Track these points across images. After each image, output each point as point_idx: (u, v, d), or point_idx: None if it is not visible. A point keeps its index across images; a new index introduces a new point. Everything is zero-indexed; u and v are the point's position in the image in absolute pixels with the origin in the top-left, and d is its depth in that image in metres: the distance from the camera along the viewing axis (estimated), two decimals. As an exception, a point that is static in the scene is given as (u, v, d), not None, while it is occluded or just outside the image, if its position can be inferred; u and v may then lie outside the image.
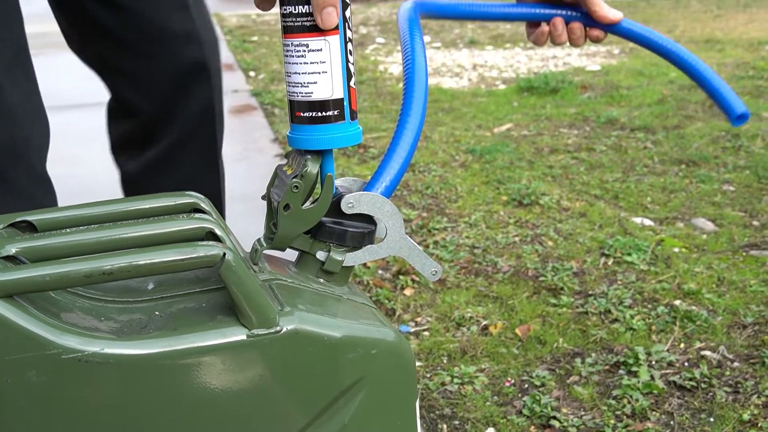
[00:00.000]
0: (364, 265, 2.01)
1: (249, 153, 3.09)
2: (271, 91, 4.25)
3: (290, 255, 0.72)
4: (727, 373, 1.53)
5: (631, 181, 2.65)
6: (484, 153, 2.99)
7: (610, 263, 2.01)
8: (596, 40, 0.97)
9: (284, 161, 0.74)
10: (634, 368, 1.53)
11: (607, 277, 1.94)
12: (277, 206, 0.69)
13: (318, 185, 0.70)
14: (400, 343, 0.66)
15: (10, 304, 0.54)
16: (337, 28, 0.66)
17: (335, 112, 0.68)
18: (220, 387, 0.59)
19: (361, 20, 7.66)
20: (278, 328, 0.60)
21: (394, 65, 5.05)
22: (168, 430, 0.59)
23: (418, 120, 0.74)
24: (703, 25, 6.22)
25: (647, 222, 2.29)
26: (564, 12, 0.96)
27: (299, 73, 0.67)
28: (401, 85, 0.78)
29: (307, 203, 0.69)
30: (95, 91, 1.34)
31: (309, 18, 0.65)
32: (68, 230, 0.63)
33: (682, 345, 1.63)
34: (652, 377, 1.50)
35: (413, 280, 1.93)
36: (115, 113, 1.34)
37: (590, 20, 0.95)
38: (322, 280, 0.71)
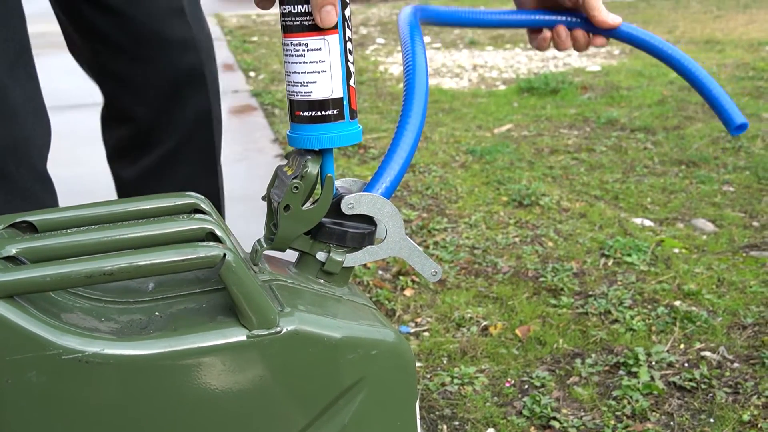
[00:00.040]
0: (364, 265, 2.01)
1: (249, 153, 3.09)
2: (271, 91, 4.25)
3: (290, 256, 0.72)
4: (727, 373, 1.53)
5: (631, 182, 2.65)
6: (484, 153, 2.99)
7: (610, 264, 2.01)
8: (597, 45, 0.97)
9: (284, 162, 0.74)
10: (634, 369, 1.53)
11: (607, 277, 1.94)
12: (277, 207, 0.69)
13: (318, 186, 0.70)
14: (400, 343, 0.66)
15: (11, 304, 0.54)
16: (336, 27, 0.66)
17: (335, 112, 0.68)
18: (220, 387, 0.59)
19: (362, 21, 7.66)
20: (278, 329, 0.60)
21: (394, 66, 5.05)
22: (168, 431, 0.59)
23: (419, 121, 0.75)
24: (703, 25, 6.22)
25: (647, 223, 2.29)
26: (563, 18, 0.96)
27: (299, 73, 0.67)
28: (401, 85, 0.78)
29: (308, 204, 0.69)
30: (95, 91, 1.34)
31: (308, 17, 0.65)
32: (69, 231, 0.63)
33: (682, 346, 1.63)
34: (652, 378, 1.50)
35: (413, 281, 1.93)
36: (111, 120, 1.34)
37: (589, 25, 0.95)
38: (322, 281, 0.71)
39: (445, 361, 1.60)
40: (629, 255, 2.03)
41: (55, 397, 0.56)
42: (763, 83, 3.99)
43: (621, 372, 1.53)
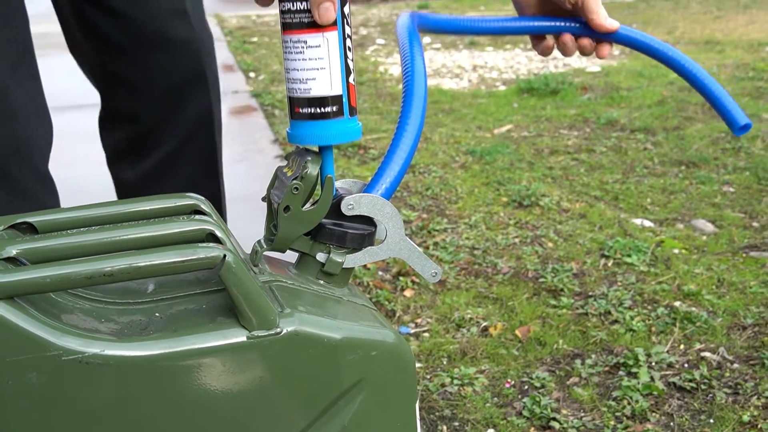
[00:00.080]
0: (364, 266, 2.01)
1: (249, 154, 3.09)
2: (271, 92, 4.25)
3: (290, 256, 0.72)
4: (727, 374, 1.53)
5: (631, 183, 2.65)
6: (484, 154, 2.99)
7: (610, 264, 2.01)
8: (601, 56, 0.98)
9: (284, 163, 0.74)
10: (634, 369, 1.53)
11: (607, 278, 1.94)
12: (277, 208, 0.69)
13: (318, 187, 0.70)
14: (399, 344, 0.66)
15: (11, 305, 0.54)
16: (335, 24, 0.66)
17: (334, 109, 0.68)
18: (220, 388, 0.59)
19: (361, 21, 7.66)
20: (278, 330, 0.60)
21: (394, 66, 5.06)
22: (168, 432, 0.60)
23: (418, 122, 0.75)
24: (702, 26, 6.22)
25: (647, 223, 2.29)
26: (563, 24, 0.96)
27: (298, 70, 0.67)
28: (401, 86, 0.78)
29: (308, 205, 0.69)
30: (91, 92, 1.34)
31: (307, 14, 0.65)
32: (69, 232, 0.63)
33: (681, 346, 1.63)
34: (652, 378, 1.50)
35: (413, 282, 1.93)
36: (111, 122, 1.34)
37: (589, 30, 0.95)
38: (322, 282, 0.71)
39: (445, 362, 1.60)
40: (629, 255, 2.04)
41: (55, 398, 0.56)
42: (763, 84, 3.99)
43: (621, 372, 1.53)
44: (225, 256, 0.57)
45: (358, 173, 2.81)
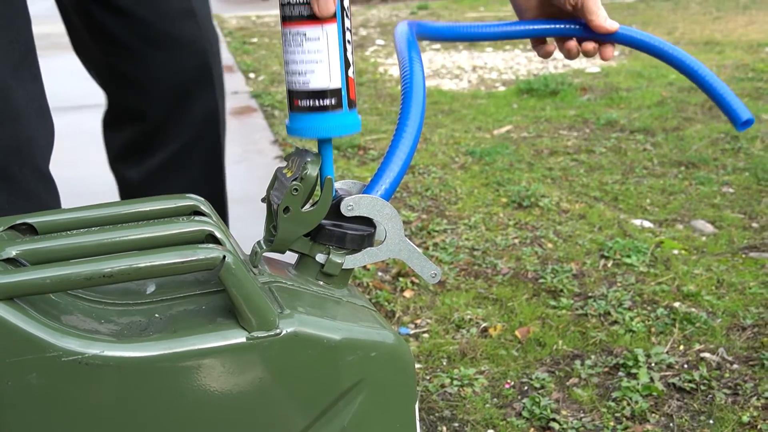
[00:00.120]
0: (364, 267, 2.01)
1: (249, 155, 3.09)
2: (271, 92, 4.25)
3: (290, 257, 0.72)
4: (727, 375, 1.53)
5: (631, 183, 2.65)
6: (483, 155, 2.99)
7: (609, 265, 2.01)
8: (605, 58, 0.98)
9: (284, 163, 0.74)
10: (634, 370, 1.53)
11: (607, 279, 1.94)
12: (276, 209, 0.69)
13: (318, 188, 0.70)
14: (399, 345, 0.66)
15: (11, 306, 0.54)
16: (334, 16, 0.66)
17: (333, 101, 0.68)
18: (220, 389, 0.60)
19: (361, 22, 7.67)
20: (278, 331, 0.60)
21: (393, 67, 5.06)
22: (168, 433, 0.60)
23: (418, 122, 0.75)
24: (702, 27, 6.22)
25: (647, 224, 2.30)
26: (563, 26, 0.96)
27: (297, 62, 0.67)
28: (400, 87, 0.79)
29: (307, 206, 0.69)
30: (96, 92, 1.34)
31: (307, 6, 0.65)
32: (69, 233, 0.63)
33: (681, 347, 1.63)
34: (652, 379, 1.50)
35: (413, 282, 1.93)
36: (116, 122, 1.33)
37: (589, 32, 0.95)
38: (321, 283, 0.71)
39: (444, 363, 1.60)
40: (629, 256, 2.04)
41: (55, 398, 0.56)
42: (762, 84, 3.99)
43: (620, 373, 1.54)
44: (224, 257, 0.57)
45: (358, 174, 2.81)
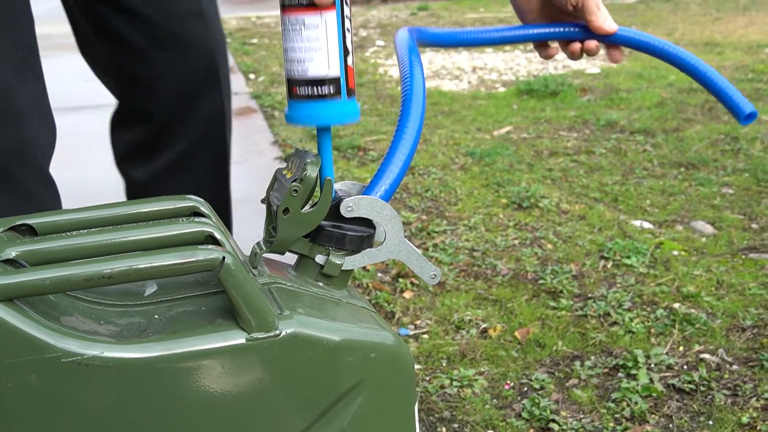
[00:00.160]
0: (364, 267, 2.01)
1: (248, 156, 3.09)
2: (271, 93, 4.25)
3: (289, 258, 0.72)
4: (726, 376, 1.53)
5: (631, 184, 2.65)
6: (483, 156, 2.99)
7: (609, 266, 2.01)
8: (614, 61, 0.98)
9: (283, 164, 0.74)
10: (633, 371, 1.53)
11: (607, 280, 1.94)
12: (276, 210, 0.69)
13: (317, 189, 0.70)
14: (398, 346, 0.66)
15: (10, 307, 0.54)
16: (333, 4, 0.66)
17: (332, 89, 0.68)
18: (219, 390, 0.60)
19: (361, 23, 7.67)
20: (277, 332, 0.60)
21: (393, 68, 5.06)
22: (167, 434, 0.60)
23: (417, 124, 0.75)
24: (702, 28, 6.22)
25: (646, 225, 2.30)
26: (563, 30, 0.96)
27: (296, 50, 0.67)
28: (400, 88, 0.79)
29: (307, 207, 0.69)
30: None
31: None
32: (68, 234, 0.63)
33: (681, 348, 1.63)
34: (651, 380, 1.50)
35: (412, 283, 1.93)
36: (124, 121, 1.33)
37: (589, 34, 0.95)
38: (321, 284, 0.71)
39: (444, 364, 1.60)
40: (628, 257, 2.04)
41: (54, 399, 0.56)
42: (762, 85, 4.00)
43: (620, 374, 1.54)
44: (224, 258, 0.57)
45: (358, 175, 2.81)
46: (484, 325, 1.74)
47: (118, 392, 0.57)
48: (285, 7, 0.67)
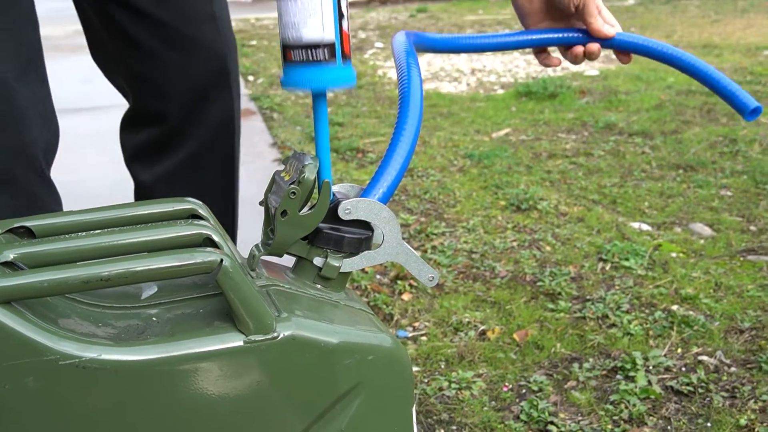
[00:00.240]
0: (362, 270, 2.01)
1: (247, 157, 3.09)
2: (270, 95, 4.25)
3: (287, 261, 0.72)
4: (724, 378, 1.53)
5: (629, 186, 2.65)
6: (482, 158, 3.00)
7: (607, 268, 2.02)
8: (623, 62, 0.99)
9: (282, 167, 0.74)
10: (632, 373, 1.53)
11: (605, 282, 1.94)
12: (274, 212, 0.69)
13: (315, 191, 0.70)
14: (396, 348, 0.66)
15: (8, 310, 0.54)
16: None
17: (326, 54, 0.67)
18: (217, 393, 0.60)
19: (360, 25, 7.67)
20: (275, 334, 0.60)
21: (392, 70, 5.06)
22: (165, 436, 0.60)
23: (415, 126, 0.75)
24: (701, 30, 6.23)
25: (645, 227, 2.30)
26: (561, 35, 0.96)
27: (290, 13, 0.66)
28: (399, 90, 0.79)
29: (305, 209, 0.69)
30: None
31: None
32: (66, 236, 0.63)
33: (679, 350, 1.64)
34: (650, 382, 1.50)
35: (411, 285, 1.94)
36: (133, 122, 1.33)
37: (588, 38, 0.95)
38: (319, 286, 0.71)
39: (442, 366, 1.60)
40: (627, 259, 2.04)
41: (52, 402, 0.56)
42: (760, 87, 4.00)
43: (618, 376, 1.54)
44: (222, 260, 0.57)
45: (356, 177, 2.82)
46: (482, 327, 1.74)
47: (116, 395, 0.57)
48: None
